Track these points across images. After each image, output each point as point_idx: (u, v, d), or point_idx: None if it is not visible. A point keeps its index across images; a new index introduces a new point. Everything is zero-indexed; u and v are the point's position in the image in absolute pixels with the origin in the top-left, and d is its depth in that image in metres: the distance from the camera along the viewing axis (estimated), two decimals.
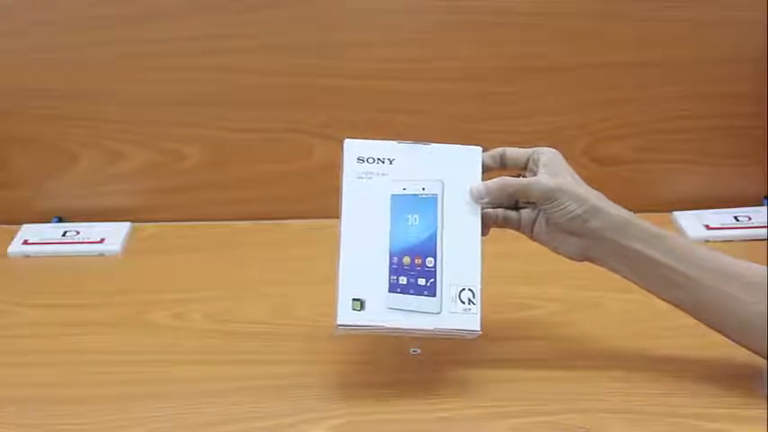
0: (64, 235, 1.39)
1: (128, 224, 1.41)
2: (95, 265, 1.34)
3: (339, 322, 0.97)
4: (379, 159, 1.01)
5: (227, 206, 1.45)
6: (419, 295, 0.98)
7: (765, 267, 0.96)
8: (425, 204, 1.00)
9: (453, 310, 0.98)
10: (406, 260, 0.99)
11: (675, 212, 1.42)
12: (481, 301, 0.98)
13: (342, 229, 0.99)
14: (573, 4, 1.39)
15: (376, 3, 1.39)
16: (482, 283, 0.99)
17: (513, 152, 1.03)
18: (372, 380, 1.02)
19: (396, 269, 0.99)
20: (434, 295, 0.98)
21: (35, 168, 1.43)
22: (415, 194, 1.01)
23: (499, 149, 1.03)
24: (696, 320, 0.98)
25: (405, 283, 0.99)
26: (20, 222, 1.42)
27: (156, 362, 1.09)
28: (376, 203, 1.00)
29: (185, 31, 1.38)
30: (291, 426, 0.96)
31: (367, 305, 0.97)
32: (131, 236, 1.40)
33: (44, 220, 1.43)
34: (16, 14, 1.37)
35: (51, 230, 1.40)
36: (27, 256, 1.36)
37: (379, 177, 1.01)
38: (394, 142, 1.02)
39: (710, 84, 1.41)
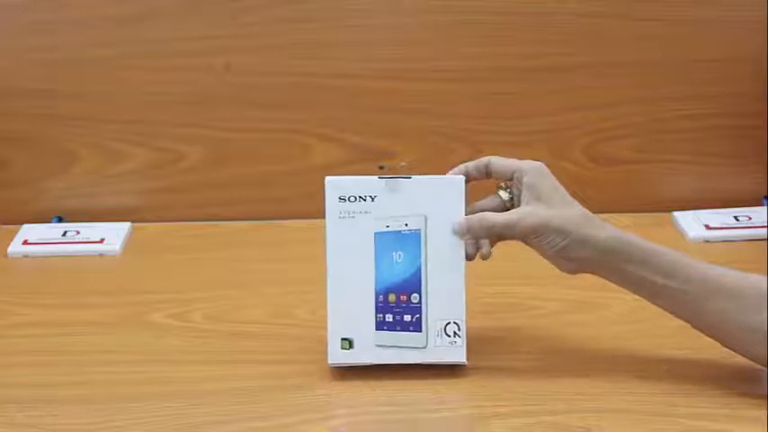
0: (64, 235, 1.39)
1: (128, 224, 1.41)
2: (95, 265, 1.34)
3: (330, 362, 1.01)
4: (360, 197, 1.01)
5: (227, 206, 1.45)
6: (405, 331, 1.01)
7: (756, 276, 0.96)
8: (409, 240, 1.01)
9: (439, 344, 1.01)
10: (392, 298, 1.01)
11: (675, 212, 1.42)
12: (466, 331, 1.01)
13: (328, 269, 1.01)
14: (573, 4, 1.39)
15: (376, 3, 1.39)
16: (467, 313, 1.01)
17: (498, 164, 1.01)
18: (372, 380, 1.01)
19: (382, 307, 1.01)
20: (420, 330, 1.01)
21: (35, 168, 1.43)
22: (398, 231, 1.01)
23: (484, 160, 1.02)
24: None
25: (391, 320, 1.01)
26: (20, 222, 1.42)
27: (156, 362, 1.08)
28: (360, 242, 1.01)
29: (185, 31, 1.38)
30: (291, 426, 0.96)
31: (355, 344, 1.01)
32: (131, 236, 1.40)
33: (44, 220, 1.43)
34: (16, 14, 1.37)
35: (51, 230, 1.40)
36: (27, 256, 1.36)
37: (362, 216, 1.01)
38: (375, 178, 1.01)
39: (710, 84, 1.41)
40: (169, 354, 1.10)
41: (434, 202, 1.01)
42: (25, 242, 1.37)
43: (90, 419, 0.98)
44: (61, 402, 1.01)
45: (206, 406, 0.99)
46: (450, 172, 1.02)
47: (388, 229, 1.01)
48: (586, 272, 1.00)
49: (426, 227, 1.01)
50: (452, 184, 1.01)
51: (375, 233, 1.01)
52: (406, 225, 1.01)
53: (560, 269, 1.01)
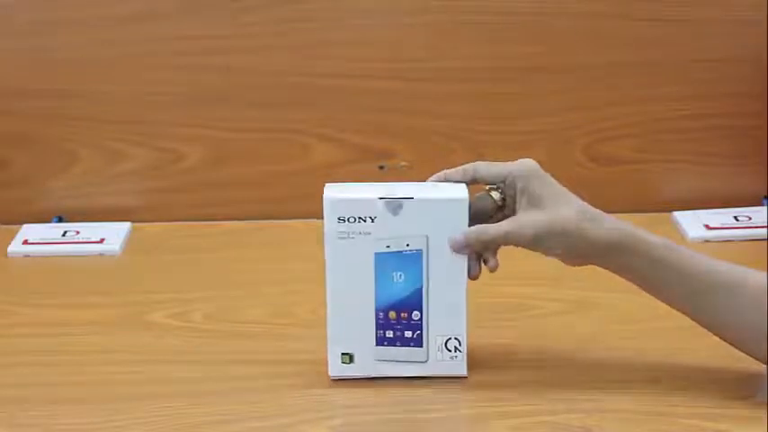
0: (64, 235, 1.39)
1: (128, 224, 1.41)
2: (95, 265, 1.34)
3: (330, 375, 1.01)
4: (360, 218, 0.98)
5: (227, 206, 1.45)
6: (406, 346, 1.00)
7: (757, 272, 0.96)
8: (410, 261, 0.99)
9: (440, 358, 1.00)
10: (392, 315, 1.00)
11: (675, 212, 1.42)
12: (467, 344, 1.00)
13: (327, 286, 0.99)
14: (573, 4, 1.39)
15: (376, 3, 1.40)
16: (468, 328, 1.00)
17: (485, 172, 0.99)
18: (372, 380, 1.01)
19: (382, 324, 1.00)
20: (421, 346, 1.00)
21: (35, 168, 1.43)
22: (399, 251, 0.98)
23: (470, 168, 0.99)
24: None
25: (392, 336, 1.00)
26: (20, 222, 1.42)
27: (156, 362, 1.08)
28: (360, 263, 0.99)
29: (185, 31, 1.39)
30: (291, 426, 0.96)
31: (356, 358, 1.01)
32: (131, 236, 1.40)
33: (44, 220, 1.43)
34: (16, 14, 1.37)
35: (51, 230, 1.40)
36: (27, 256, 1.36)
37: (362, 237, 0.98)
38: (375, 198, 0.97)
39: (710, 84, 1.41)
40: (169, 354, 1.10)
41: (437, 222, 0.98)
42: (25, 242, 1.37)
43: (89, 419, 0.98)
44: (61, 402, 1.01)
45: (206, 406, 0.99)
46: (430, 179, 1.00)
47: (389, 250, 0.99)
48: (591, 263, 0.99)
49: (428, 247, 0.98)
50: (456, 204, 0.98)
51: (375, 253, 0.99)
52: (408, 245, 0.98)
53: (565, 264, 1.00)
